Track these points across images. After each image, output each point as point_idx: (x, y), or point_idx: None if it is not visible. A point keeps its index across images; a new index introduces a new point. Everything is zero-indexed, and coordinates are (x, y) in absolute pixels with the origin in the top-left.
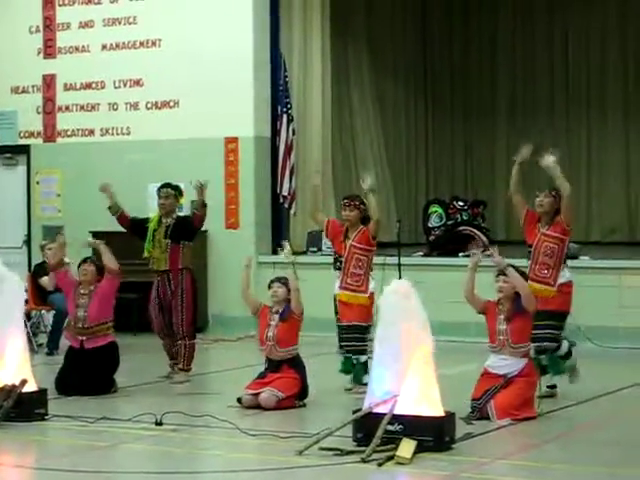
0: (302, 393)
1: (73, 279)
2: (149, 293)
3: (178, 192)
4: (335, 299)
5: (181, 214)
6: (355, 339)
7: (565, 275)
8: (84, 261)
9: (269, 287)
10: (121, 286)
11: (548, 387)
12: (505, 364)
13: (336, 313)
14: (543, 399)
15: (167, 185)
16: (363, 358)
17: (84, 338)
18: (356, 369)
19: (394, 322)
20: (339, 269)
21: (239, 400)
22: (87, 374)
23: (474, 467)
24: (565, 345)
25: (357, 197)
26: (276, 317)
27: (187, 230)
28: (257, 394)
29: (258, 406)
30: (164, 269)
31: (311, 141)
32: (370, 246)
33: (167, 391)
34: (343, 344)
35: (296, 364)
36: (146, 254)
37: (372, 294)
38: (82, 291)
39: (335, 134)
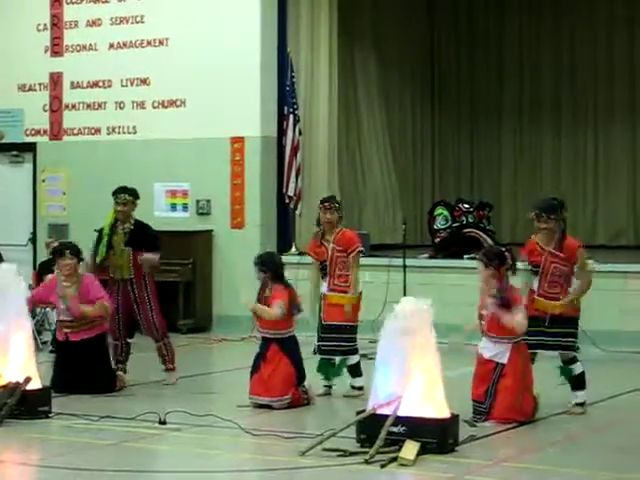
0: (300, 375)
1: (48, 284)
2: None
3: (136, 197)
4: (321, 299)
5: (139, 219)
6: (343, 339)
7: (574, 285)
8: (60, 254)
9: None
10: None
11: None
12: (487, 347)
13: (320, 312)
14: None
15: (123, 190)
16: (352, 360)
17: (68, 331)
18: (338, 368)
19: (398, 323)
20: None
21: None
22: (75, 368)
23: (477, 470)
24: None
25: (333, 198)
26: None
27: (147, 237)
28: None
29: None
30: (128, 277)
31: (317, 141)
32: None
33: (170, 390)
34: (326, 344)
35: (286, 347)
36: (98, 259)
37: (360, 293)
38: (65, 283)
39: (341, 134)
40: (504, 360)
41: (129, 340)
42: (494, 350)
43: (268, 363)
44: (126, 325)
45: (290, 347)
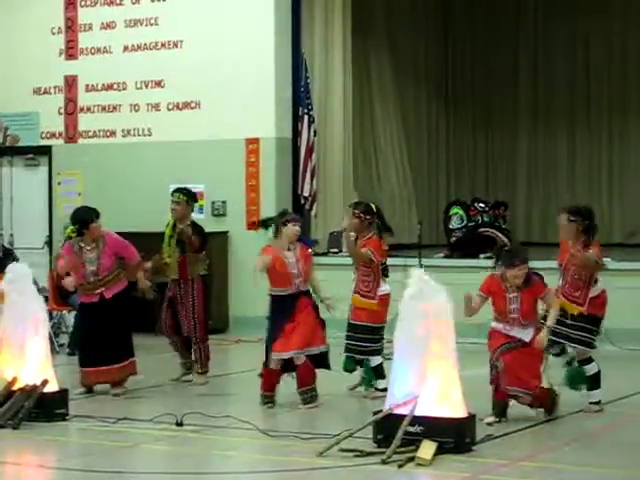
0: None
1: (71, 253)
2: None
3: (191, 198)
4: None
5: (195, 221)
6: (362, 339)
7: (596, 288)
8: (91, 220)
9: (285, 224)
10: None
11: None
12: (514, 332)
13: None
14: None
15: (179, 190)
16: (374, 361)
17: (103, 290)
18: (367, 373)
19: (415, 323)
20: None
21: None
22: (107, 329)
23: (494, 469)
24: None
25: (360, 205)
26: (291, 253)
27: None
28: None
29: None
30: (175, 277)
31: (332, 142)
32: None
33: (188, 392)
34: (348, 342)
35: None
36: (167, 260)
37: (386, 295)
38: (88, 247)
39: (356, 135)
40: (527, 339)
41: (184, 335)
42: (520, 333)
43: (297, 314)
44: (173, 321)
45: (316, 305)
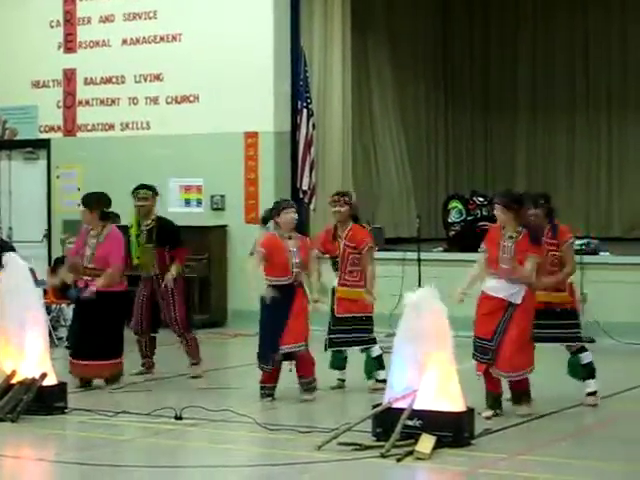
0: None
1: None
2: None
3: (155, 192)
4: (333, 292)
5: (161, 215)
6: (358, 330)
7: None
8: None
9: (278, 214)
10: (128, 281)
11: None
12: (503, 287)
13: (332, 306)
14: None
15: (143, 186)
16: (375, 351)
17: (89, 280)
18: (367, 364)
19: (415, 318)
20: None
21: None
22: (88, 321)
23: (492, 463)
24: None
25: (347, 193)
26: (292, 242)
27: (170, 236)
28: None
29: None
30: (154, 274)
31: (331, 136)
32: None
33: (186, 386)
34: (339, 336)
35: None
36: (136, 261)
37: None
38: (93, 232)
39: (355, 129)
40: (518, 300)
41: (152, 334)
42: (509, 290)
43: (295, 305)
44: (149, 321)
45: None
